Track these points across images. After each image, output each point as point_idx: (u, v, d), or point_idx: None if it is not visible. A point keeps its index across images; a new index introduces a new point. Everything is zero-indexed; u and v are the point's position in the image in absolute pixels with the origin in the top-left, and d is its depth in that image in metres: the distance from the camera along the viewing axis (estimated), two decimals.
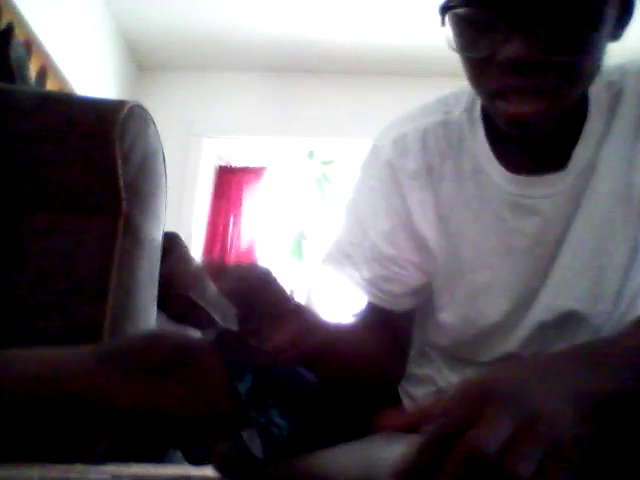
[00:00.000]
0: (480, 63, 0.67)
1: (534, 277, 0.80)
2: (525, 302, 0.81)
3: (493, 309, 0.82)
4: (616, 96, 0.77)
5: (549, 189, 0.77)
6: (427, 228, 0.83)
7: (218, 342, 0.71)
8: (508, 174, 0.78)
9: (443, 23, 0.68)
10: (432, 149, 0.81)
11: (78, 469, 0.74)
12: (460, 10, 0.66)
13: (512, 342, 0.83)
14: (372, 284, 0.84)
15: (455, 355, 0.89)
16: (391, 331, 0.85)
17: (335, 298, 3.70)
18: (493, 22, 0.63)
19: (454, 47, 0.68)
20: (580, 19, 0.62)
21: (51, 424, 0.63)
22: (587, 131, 0.76)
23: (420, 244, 0.83)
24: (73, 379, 0.64)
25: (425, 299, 0.88)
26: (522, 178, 0.77)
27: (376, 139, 0.87)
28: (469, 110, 0.81)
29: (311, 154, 3.77)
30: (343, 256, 0.86)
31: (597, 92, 0.77)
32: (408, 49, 3.45)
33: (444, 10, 0.67)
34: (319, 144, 3.74)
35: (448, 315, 0.86)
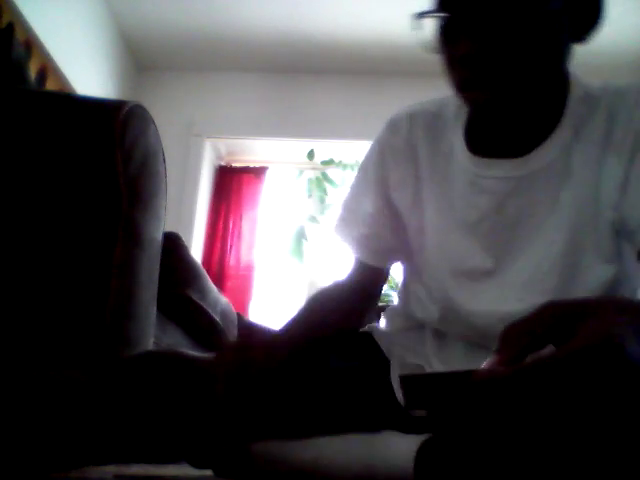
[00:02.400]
0: (446, 61, 0.81)
1: (484, 257, 0.87)
2: (478, 281, 0.88)
3: (442, 281, 0.91)
4: (591, 110, 0.83)
5: (501, 172, 0.85)
6: (401, 200, 0.95)
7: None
8: (470, 154, 0.88)
9: (416, 27, 0.80)
10: (417, 130, 0.94)
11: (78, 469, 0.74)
12: (429, 16, 0.79)
13: (483, 325, 0.87)
14: (358, 241, 1.00)
15: (441, 331, 0.94)
16: (367, 283, 1.04)
17: None
18: (452, 27, 0.77)
19: (427, 48, 0.81)
20: (522, 22, 0.73)
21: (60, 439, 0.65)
22: (555, 134, 0.83)
23: (394, 212, 0.96)
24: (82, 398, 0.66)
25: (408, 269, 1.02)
26: (481, 159, 0.87)
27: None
28: (459, 106, 0.92)
29: (311, 154, 3.76)
30: (342, 219, 1.03)
31: (575, 103, 0.83)
32: (408, 49, 3.45)
33: (417, 16, 0.80)
34: (319, 144, 3.74)
35: (417, 285, 0.97)
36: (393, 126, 0.97)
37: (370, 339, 1.00)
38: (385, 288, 3.86)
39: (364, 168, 1.00)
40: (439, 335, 0.94)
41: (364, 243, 1.00)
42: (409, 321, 0.99)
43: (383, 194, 0.97)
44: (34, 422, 0.66)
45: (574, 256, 0.82)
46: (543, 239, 0.83)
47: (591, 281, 0.81)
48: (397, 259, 1.02)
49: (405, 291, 1.01)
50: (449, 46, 0.79)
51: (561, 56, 0.79)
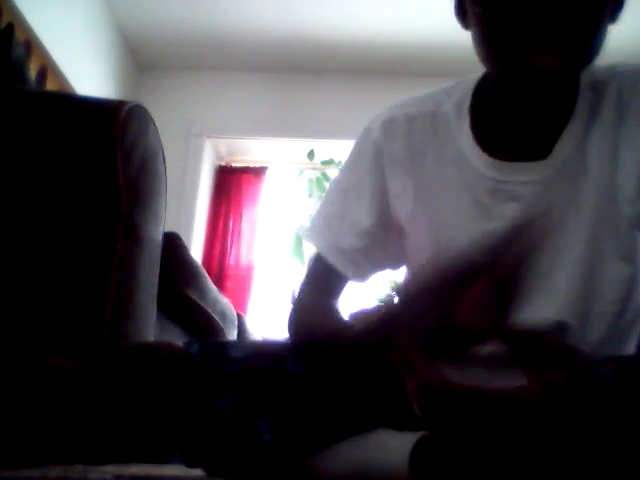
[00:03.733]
0: (513, 21, 0.70)
1: None
2: None
3: None
4: (600, 96, 0.79)
5: (529, 176, 0.79)
6: (402, 210, 0.87)
7: (200, 356, 0.73)
8: (490, 159, 0.81)
9: None
10: (417, 136, 0.86)
11: (78, 469, 0.74)
12: None
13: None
14: (345, 255, 0.89)
15: None
16: (337, 292, 0.93)
17: None
18: None
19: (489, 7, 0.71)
20: None
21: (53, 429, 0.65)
22: (570, 126, 0.78)
23: (392, 222, 0.88)
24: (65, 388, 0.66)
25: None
26: (503, 164, 0.80)
27: (369, 122, 0.93)
28: (458, 104, 0.84)
29: (311, 154, 3.76)
30: (325, 226, 0.91)
31: (584, 90, 0.79)
32: (408, 49, 3.45)
33: None
34: (319, 144, 3.74)
35: None
36: (388, 129, 0.88)
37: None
38: (387, 288, 3.80)
39: (353, 173, 0.90)
40: None
41: (351, 257, 0.89)
42: None
43: (380, 204, 0.88)
44: (25, 416, 0.66)
45: (594, 255, 0.79)
46: (565, 240, 0.79)
47: (610, 281, 0.78)
48: (378, 272, 0.94)
49: None
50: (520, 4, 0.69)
51: (605, 38, 0.74)
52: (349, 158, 0.93)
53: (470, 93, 0.84)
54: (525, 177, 0.79)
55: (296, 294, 0.96)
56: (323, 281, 0.92)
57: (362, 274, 0.92)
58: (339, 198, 0.92)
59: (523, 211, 0.80)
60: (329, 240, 0.90)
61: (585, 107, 0.79)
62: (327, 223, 0.92)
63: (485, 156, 0.81)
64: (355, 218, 0.89)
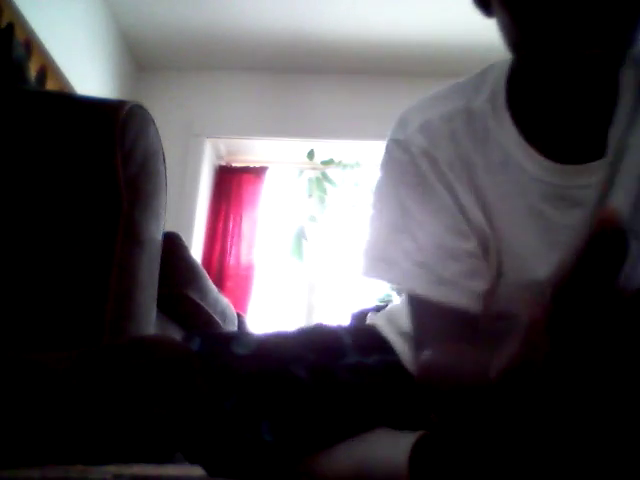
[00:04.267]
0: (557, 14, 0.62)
1: None
2: None
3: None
4: None
5: (591, 178, 0.71)
6: (478, 217, 0.74)
7: (202, 352, 0.72)
8: (547, 162, 0.72)
9: None
10: (461, 137, 0.75)
11: (78, 469, 0.74)
12: None
13: None
14: (453, 283, 0.72)
15: None
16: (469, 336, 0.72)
17: (335, 298, 3.71)
18: None
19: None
20: None
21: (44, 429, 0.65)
22: (618, 116, 0.71)
23: (479, 230, 0.75)
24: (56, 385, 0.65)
25: None
26: (563, 166, 0.71)
27: (394, 133, 0.78)
28: (492, 101, 0.75)
29: (311, 154, 3.76)
30: (415, 265, 0.73)
31: (627, 73, 0.72)
32: (409, 49, 3.45)
33: None
34: (319, 144, 3.74)
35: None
36: (430, 135, 0.75)
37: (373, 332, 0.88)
38: (385, 288, 3.79)
39: (420, 192, 0.74)
40: None
41: (460, 283, 0.72)
42: None
43: (460, 214, 0.74)
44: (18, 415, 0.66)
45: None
46: None
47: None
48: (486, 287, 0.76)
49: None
50: None
51: None
52: (389, 181, 0.78)
53: (502, 86, 0.76)
54: (587, 180, 0.71)
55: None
56: (443, 329, 0.73)
57: (476, 297, 0.73)
58: (415, 226, 0.74)
59: (585, 217, 0.71)
60: (425, 277, 0.73)
61: (629, 93, 0.72)
62: (417, 261, 0.73)
63: (540, 158, 0.72)
64: (440, 244, 0.73)
